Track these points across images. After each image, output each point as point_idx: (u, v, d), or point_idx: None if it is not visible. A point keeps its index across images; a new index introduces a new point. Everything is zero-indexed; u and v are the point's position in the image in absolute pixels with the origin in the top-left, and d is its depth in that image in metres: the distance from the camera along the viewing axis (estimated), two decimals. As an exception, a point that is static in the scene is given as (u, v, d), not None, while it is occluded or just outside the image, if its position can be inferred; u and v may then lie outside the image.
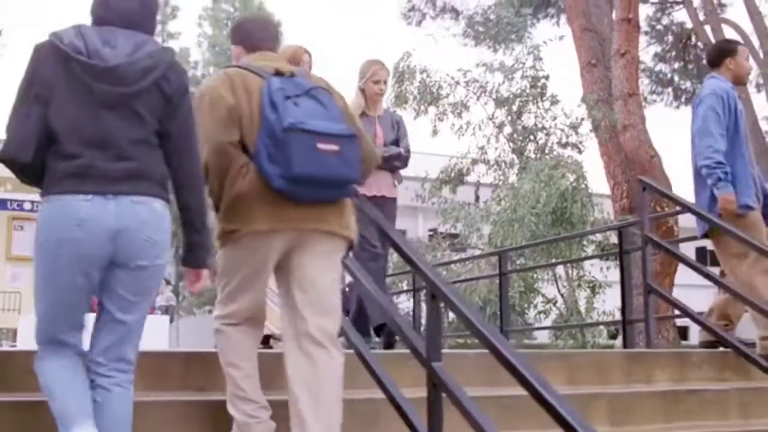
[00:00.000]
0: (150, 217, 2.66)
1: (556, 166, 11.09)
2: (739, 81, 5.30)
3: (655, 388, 4.42)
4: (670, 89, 21.23)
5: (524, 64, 13.15)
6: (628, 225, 6.30)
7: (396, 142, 5.27)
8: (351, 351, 3.55)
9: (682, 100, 21.14)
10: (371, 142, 3.30)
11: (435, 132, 13.23)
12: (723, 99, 4.97)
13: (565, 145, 13.35)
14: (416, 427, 3.04)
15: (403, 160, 5.27)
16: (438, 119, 13.08)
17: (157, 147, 2.73)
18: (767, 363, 4.62)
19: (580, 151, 13.27)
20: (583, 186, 11.11)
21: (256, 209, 2.92)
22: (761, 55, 17.28)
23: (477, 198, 13.22)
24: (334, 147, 2.88)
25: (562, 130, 12.99)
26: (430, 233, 16.97)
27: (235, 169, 2.94)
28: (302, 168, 2.83)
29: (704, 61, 20.28)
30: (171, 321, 14.58)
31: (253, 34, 3.31)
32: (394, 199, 5.28)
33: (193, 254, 2.86)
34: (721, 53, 5.30)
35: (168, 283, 16.09)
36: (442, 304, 3.01)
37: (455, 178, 13.40)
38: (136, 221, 2.62)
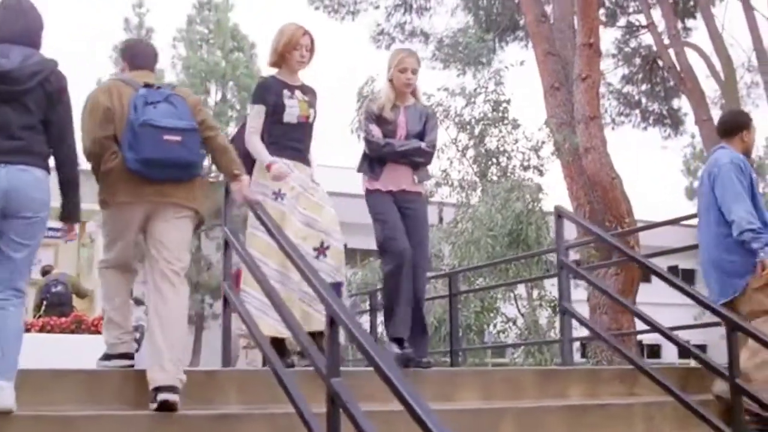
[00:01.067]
0: (32, 181, 3.55)
1: (512, 189, 11.40)
2: (748, 153, 5.39)
3: (565, 402, 4.70)
4: (637, 111, 21.66)
5: (486, 88, 13.47)
6: (545, 252, 6.51)
7: (421, 136, 5.03)
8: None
9: (650, 121, 21.59)
10: (225, 138, 4.34)
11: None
12: (741, 168, 5.06)
13: (526, 168, 13.65)
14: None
15: (426, 155, 5.05)
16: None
17: (42, 132, 3.66)
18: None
19: (541, 174, 13.57)
20: (537, 208, 11.41)
21: (121, 186, 3.91)
22: (722, 76, 17.74)
23: (440, 219, 13.49)
24: (177, 138, 3.85)
25: (523, 153, 13.29)
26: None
27: (107, 155, 3.95)
28: (150, 153, 3.81)
29: (670, 83, 20.61)
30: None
31: (136, 56, 4.38)
32: (419, 194, 5.09)
33: (67, 212, 3.86)
34: (738, 126, 5.36)
35: (139, 302, 16.23)
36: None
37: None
38: (22, 183, 3.51)
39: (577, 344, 13.88)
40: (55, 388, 3.83)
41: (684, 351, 4.84)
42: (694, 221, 5.53)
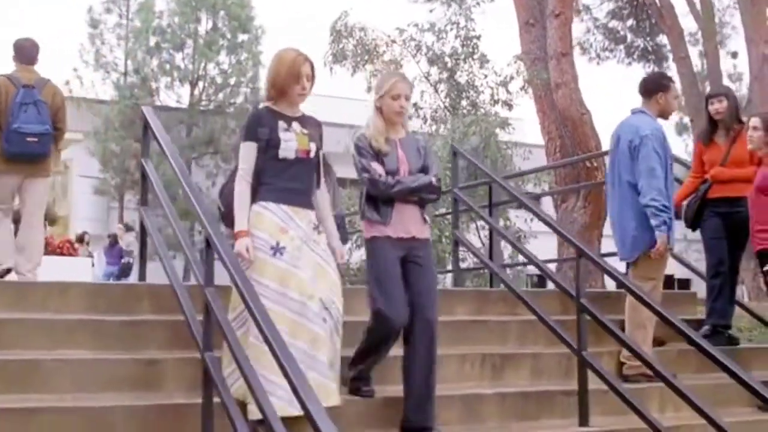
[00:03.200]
0: None
1: (471, 123, 11.84)
2: (664, 117, 5.55)
3: (451, 318, 5.29)
4: (622, 46, 21.87)
5: (457, 24, 13.81)
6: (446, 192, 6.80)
7: (424, 170, 4.41)
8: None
9: (634, 56, 21.81)
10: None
11: (370, 88, 13.92)
12: (660, 140, 5.31)
13: (496, 102, 14.07)
14: (197, 338, 3.90)
15: (435, 191, 4.44)
16: (373, 76, 13.77)
17: None
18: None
19: (510, 108, 13.98)
20: (493, 143, 11.87)
21: (4, 163, 6.00)
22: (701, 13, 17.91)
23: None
24: (35, 139, 5.96)
25: (492, 88, 13.69)
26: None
27: None
28: (16, 149, 5.95)
29: (654, 21, 20.60)
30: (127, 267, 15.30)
31: (19, 52, 6.17)
32: (427, 240, 4.44)
33: None
34: (656, 87, 5.51)
35: (129, 228, 16.87)
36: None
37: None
38: None
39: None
40: None
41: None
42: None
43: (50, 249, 8.25)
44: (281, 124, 4.13)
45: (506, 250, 14.38)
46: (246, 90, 23.17)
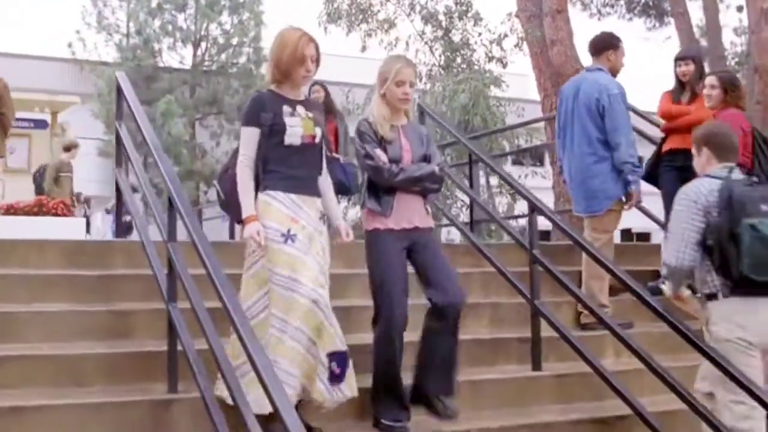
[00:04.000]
0: None
1: (460, 81, 11.97)
2: (614, 74, 5.70)
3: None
4: (623, 1, 21.76)
5: (450, -19, 13.87)
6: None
7: (425, 159, 4.27)
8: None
9: (635, 11, 21.72)
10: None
11: (364, 48, 14.05)
12: (625, 97, 5.51)
13: (490, 60, 14.16)
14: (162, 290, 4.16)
15: (439, 180, 4.32)
16: (367, 36, 13.88)
17: None
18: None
19: (504, 65, 14.08)
20: (482, 100, 12.00)
21: None
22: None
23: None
24: None
25: (486, 46, 13.78)
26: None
27: None
28: None
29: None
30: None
31: None
32: (431, 230, 4.29)
33: None
34: (605, 45, 5.70)
35: (135, 191, 17.18)
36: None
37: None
38: None
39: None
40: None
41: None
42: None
43: (45, 210, 8.53)
44: (285, 108, 3.95)
45: (501, 206, 14.62)
46: (248, 50, 23.22)
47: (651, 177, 6.20)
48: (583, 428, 4.49)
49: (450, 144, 8.93)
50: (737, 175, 4.05)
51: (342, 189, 7.36)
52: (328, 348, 3.80)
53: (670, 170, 6.03)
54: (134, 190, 17.85)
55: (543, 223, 5.41)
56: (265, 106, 3.95)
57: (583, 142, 5.52)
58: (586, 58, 14.60)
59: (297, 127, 3.94)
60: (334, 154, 7.15)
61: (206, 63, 23.41)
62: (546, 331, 4.92)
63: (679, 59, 6.27)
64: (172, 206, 4.08)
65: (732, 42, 24.31)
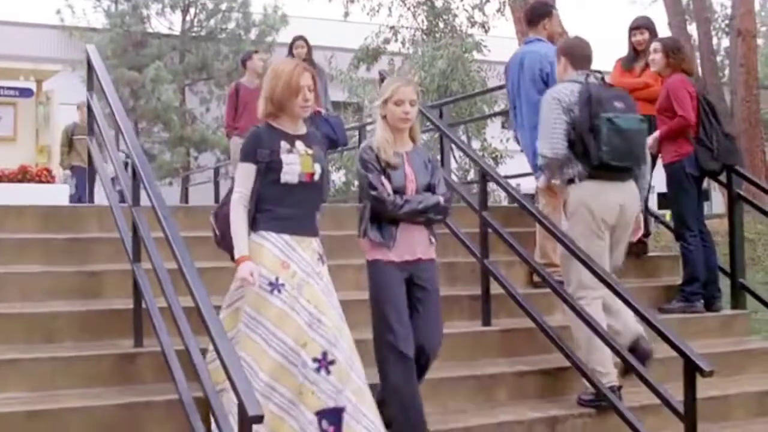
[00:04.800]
0: None
1: (439, 48, 12.15)
2: (551, 42, 5.83)
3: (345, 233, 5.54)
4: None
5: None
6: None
7: (430, 188, 4.10)
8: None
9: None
10: None
11: (347, 14, 14.18)
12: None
13: (473, 25, 14.33)
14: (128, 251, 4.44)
15: (444, 211, 4.13)
16: (350, 1, 14.02)
17: None
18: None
19: (486, 30, 14.24)
20: (460, 65, 12.19)
21: None
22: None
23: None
24: None
25: (468, 11, 13.93)
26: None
27: None
28: None
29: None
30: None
31: None
32: (432, 262, 4.14)
33: None
34: (540, 14, 5.87)
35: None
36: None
37: (370, 55, 14.47)
38: None
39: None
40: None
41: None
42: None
43: (29, 177, 8.77)
44: (283, 144, 3.77)
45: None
46: (237, 15, 23.28)
47: None
48: (527, 379, 4.80)
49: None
50: (592, 80, 4.66)
51: (331, 143, 7.56)
52: (314, 407, 3.58)
53: (625, 135, 6.25)
54: (126, 156, 17.93)
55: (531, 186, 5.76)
56: (262, 141, 3.76)
57: (531, 113, 5.72)
58: (569, 23, 14.87)
59: (294, 165, 3.75)
60: (317, 108, 7.28)
61: (195, 29, 23.46)
62: (497, 289, 5.20)
63: (633, 28, 6.48)
64: (135, 175, 4.35)
65: (722, 4, 24.43)
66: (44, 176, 8.75)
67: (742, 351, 5.65)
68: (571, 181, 4.64)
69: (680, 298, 5.83)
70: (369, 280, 4.05)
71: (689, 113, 5.68)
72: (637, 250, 6.05)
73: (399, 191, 4.00)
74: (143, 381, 4.16)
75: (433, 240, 4.14)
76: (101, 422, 3.84)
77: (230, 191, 3.90)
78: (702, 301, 5.85)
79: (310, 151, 3.83)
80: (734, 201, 6.08)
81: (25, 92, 10.93)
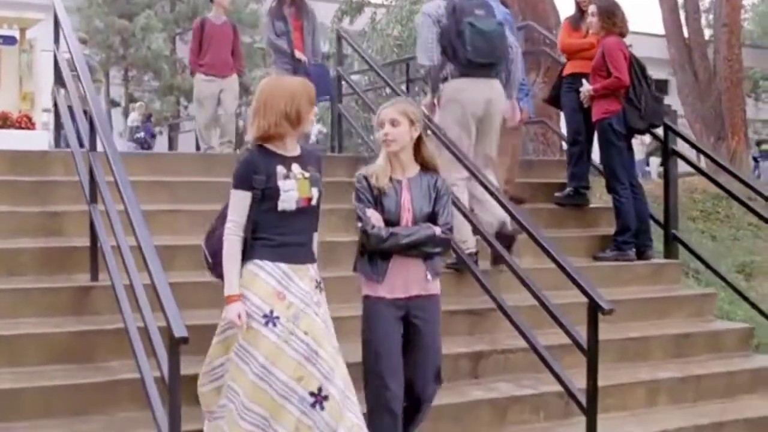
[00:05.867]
0: None
1: (416, 2, 12.35)
2: (505, 4, 6.46)
3: (332, 179, 6.08)
4: None
5: None
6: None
7: (432, 217, 3.83)
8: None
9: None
10: None
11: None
12: (512, 24, 6.29)
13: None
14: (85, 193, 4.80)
15: (442, 243, 3.84)
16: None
17: None
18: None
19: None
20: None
21: None
22: None
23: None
24: None
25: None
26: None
27: None
28: None
29: None
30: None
31: None
32: (432, 298, 3.88)
33: None
34: None
35: (116, 104, 17.73)
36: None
37: (354, 8, 14.69)
38: None
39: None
40: None
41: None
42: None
43: (9, 123, 9.07)
44: (279, 169, 3.52)
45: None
46: (229, -37, 23.31)
47: (553, 99, 6.78)
48: (458, 318, 5.19)
49: (360, 72, 9.49)
50: None
51: (318, 91, 7.64)
52: None
53: (570, 92, 6.59)
54: (113, 104, 18.33)
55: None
56: (258, 167, 3.50)
57: None
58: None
59: (292, 192, 3.51)
60: (298, 55, 7.43)
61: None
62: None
63: None
64: (92, 123, 4.70)
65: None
66: (24, 122, 9.06)
67: (668, 297, 6.04)
68: (444, 79, 5.48)
69: (613, 247, 6.21)
70: (363, 315, 3.85)
71: (624, 74, 6.01)
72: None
73: (391, 221, 3.76)
74: (97, 312, 4.56)
75: (429, 276, 3.82)
76: (58, 347, 4.27)
77: (221, 215, 3.69)
78: (634, 250, 6.23)
79: (306, 174, 3.58)
80: (669, 157, 6.44)
81: (9, 40, 11.18)
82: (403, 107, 3.89)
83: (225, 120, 8.33)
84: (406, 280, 3.78)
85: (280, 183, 3.51)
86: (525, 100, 6.41)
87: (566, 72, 6.68)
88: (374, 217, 3.75)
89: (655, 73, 6.40)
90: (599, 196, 7.34)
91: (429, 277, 3.83)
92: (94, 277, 4.71)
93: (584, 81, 6.23)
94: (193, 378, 3.66)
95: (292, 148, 3.63)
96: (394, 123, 3.81)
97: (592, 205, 6.83)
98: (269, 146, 3.57)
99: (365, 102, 7.66)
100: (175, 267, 4.80)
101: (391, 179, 3.81)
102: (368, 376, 3.82)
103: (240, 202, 3.53)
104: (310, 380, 3.40)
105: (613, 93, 6.12)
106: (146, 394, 3.67)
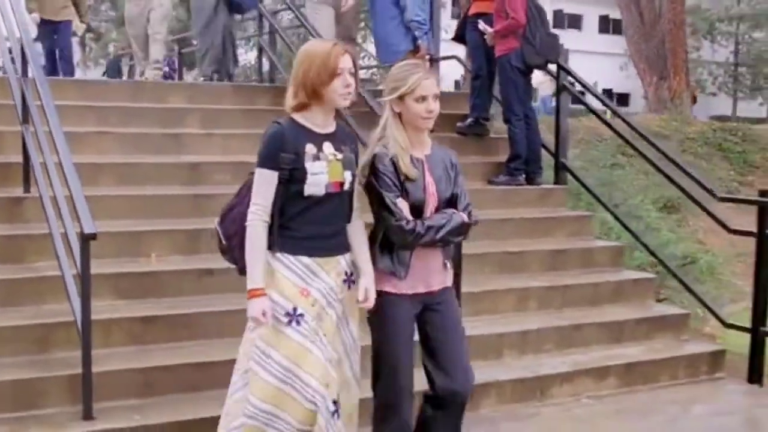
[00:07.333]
0: None
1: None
2: None
3: (253, 107, 6.74)
4: None
5: None
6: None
7: (452, 200, 3.45)
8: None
9: None
10: None
11: None
12: None
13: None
14: (18, 114, 5.36)
15: (466, 231, 3.48)
16: None
17: None
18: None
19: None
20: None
21: None
22: None
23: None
24: None
25: None
26: None
27: None
28: None
29: None
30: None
31: None
32: (448, 290, 3.54)
33: None
34: None
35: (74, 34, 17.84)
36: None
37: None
38: None
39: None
40: None
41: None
42: None
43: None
44: (309, 148, 3.13)
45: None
46: None
47: (459, 37, 7.38)
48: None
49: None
50: None
51: (235, 7, 7.84)
52: None
53: (474, 30, 7.17)
54: (74, 34, 18.28)
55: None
56: (285, 143, 3.10)
57: (384, 4, 6.81)
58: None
59: (321, 175, 3.12)
60: None
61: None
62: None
63: None
64: (23, 51, 5.24)
65: None
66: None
67: (551, 218, 6.73)
68: None
69: (505, 173, 6.89)
70: (378, 311, 3.38)
71: (521, 16, 6.61)
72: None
73: (418, 208, 3.35)
74: (28, 220, 5.17)
75: (448, 265, 3.52)
76: (-8, 249, 4.90)
77: (241, 190, 3.31)
78: (524, 175, 6.92)
79: (339, 156, 3.19)
80: (560, 91, 7.10)
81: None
82: (434, 75, 3.46)
83: (152, 41, 8.50)
84: (427, 272, 3.43)
85: (308, 165, 3.11)
86: (424, 38, 6.99)
87: (471, 12, 7.24)
88: (405, 208, 3.32)
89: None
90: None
91: (447, 265, 3.51)
92: (27, 189, 5.30)
93: (480, 21, 6.83)
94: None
95: (325, 124, 3.22)
96: (436, 97, 3.34)
97: (492, 135, 7.47)
98: (301, 120, 3.17)
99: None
100: (99, 183, 5.45)
101: (411, 159, 3.35)
102: (381, 391, 3.45)
103: (265, 183, 3.13)
104: (334, 388, 3.14)
105: (512, 32, 6.72)
106: (65, 288, 4.31)
